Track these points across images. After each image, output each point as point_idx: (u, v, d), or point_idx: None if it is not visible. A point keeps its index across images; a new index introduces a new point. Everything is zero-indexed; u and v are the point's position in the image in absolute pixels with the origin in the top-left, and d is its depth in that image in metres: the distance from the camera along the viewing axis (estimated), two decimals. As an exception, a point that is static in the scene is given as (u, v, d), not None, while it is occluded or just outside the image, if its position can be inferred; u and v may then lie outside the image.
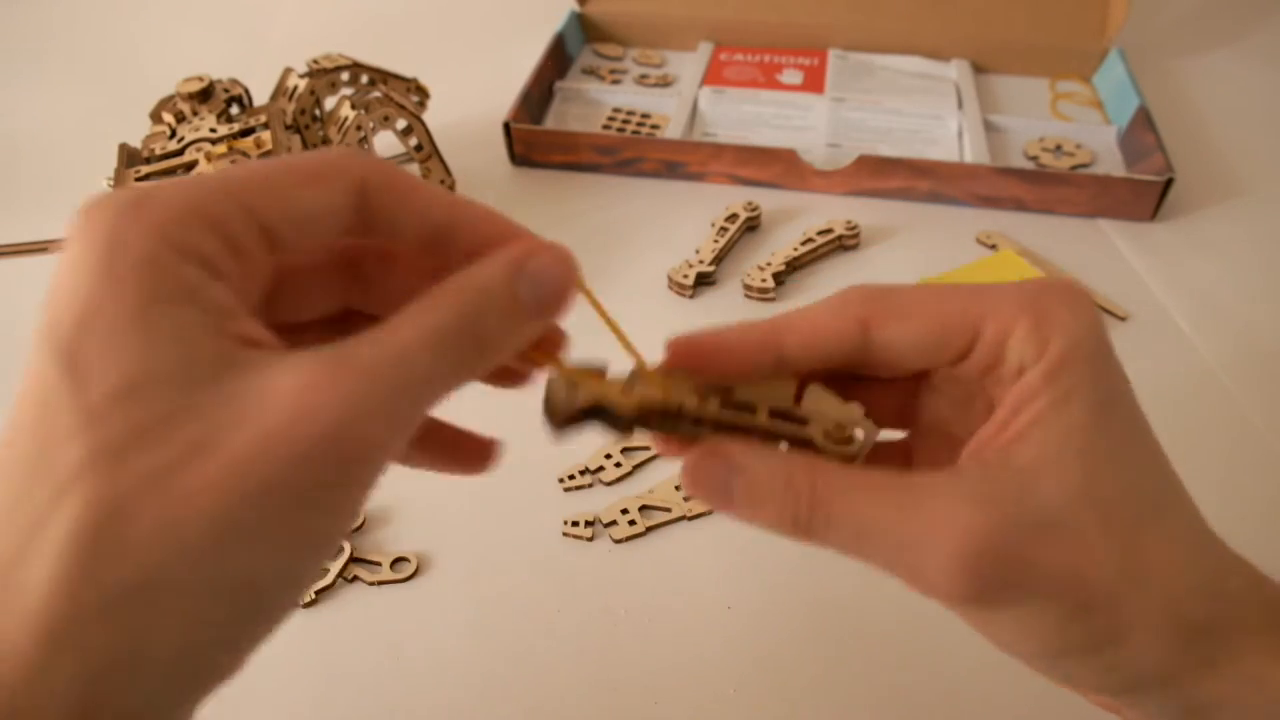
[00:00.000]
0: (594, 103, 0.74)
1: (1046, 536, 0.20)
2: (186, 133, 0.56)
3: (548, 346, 0.24)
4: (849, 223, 0.59)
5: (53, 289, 0.18)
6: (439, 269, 0.21)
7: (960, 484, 0.21)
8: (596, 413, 0.23)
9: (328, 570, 0.41)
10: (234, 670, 0.18)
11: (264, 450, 0.17)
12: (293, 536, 0.17)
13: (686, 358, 0.24)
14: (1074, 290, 0.22)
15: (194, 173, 0.19)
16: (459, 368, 0.19)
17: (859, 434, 0.23)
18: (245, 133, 0.55)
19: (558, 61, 0.76)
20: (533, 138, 0.66)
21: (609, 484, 0.45)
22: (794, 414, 0.24)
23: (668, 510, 0.44)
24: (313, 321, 0.23)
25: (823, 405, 0.24)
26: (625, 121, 0.71)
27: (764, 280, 0.56)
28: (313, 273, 0.23)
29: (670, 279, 0.57)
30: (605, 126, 0.71)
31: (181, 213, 0.18)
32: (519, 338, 0.21)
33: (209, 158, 0.53)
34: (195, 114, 0.58)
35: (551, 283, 0.20)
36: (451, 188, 0.62)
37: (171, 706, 0.17)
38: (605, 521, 0.43)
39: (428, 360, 0.18)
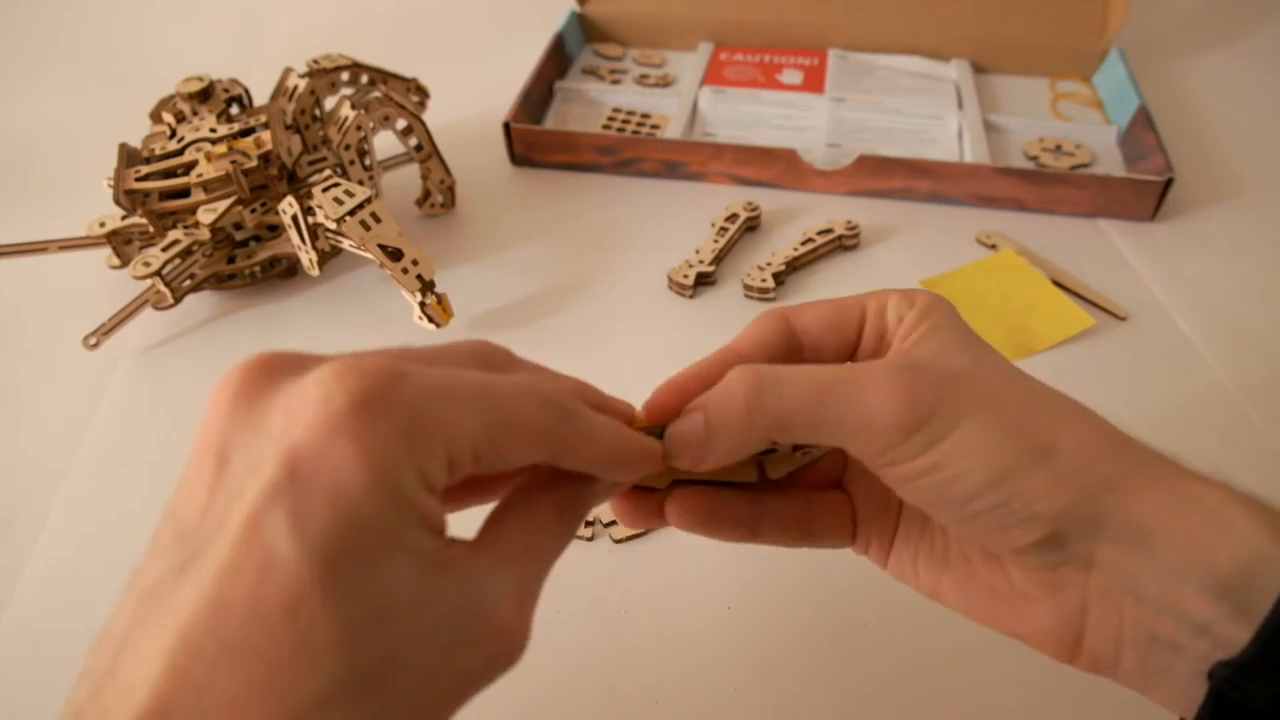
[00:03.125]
0: (594, 103, 0.74)
1: (961, 379, 0.24)
2: (186, 133, 0.56)
3: None
4: (849, 223, 0.59)
5: (304, 473, 0.18)
6: None
7: (890, 364, 0.25)
8: None
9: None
10: None
11: (474, 676, 0.21)
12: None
13: (665, 407, 0.27)
14: (936, 294, 0.28)
15: (451, 375, 0.21)
16: (571, 534, 0.25)
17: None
18: (245, 133, 0.55)
19: (558, 61, 0.76)
20: (533, 138, 0.66)
21: (609, 484, 0.45)
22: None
23: (668, 510, 0.44)
24: None
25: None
26: (625, 121, 0.71)
27: (764, 280, 0.56)
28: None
29: (670, 279, 0.57)
30: (605, 126, 0.71)
31: (445, 444, 0.19)
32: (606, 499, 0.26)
33: (209, 158, 0.53)
34: (195, 114, 0.58)
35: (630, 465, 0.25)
36: (451, 188, 0.62)
37: None
38: (605, 521, 0.43)
39: (554, 549, 0.24)
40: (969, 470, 0.23)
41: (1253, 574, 0.21)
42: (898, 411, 0.23)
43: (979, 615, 0.27)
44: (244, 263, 0.56)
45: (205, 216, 0.52)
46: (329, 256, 0.56)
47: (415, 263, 0.51)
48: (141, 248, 0.57)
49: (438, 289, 0.51)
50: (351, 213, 0.50)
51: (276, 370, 0.20)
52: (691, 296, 0.56)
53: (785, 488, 0.30)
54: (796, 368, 0.25)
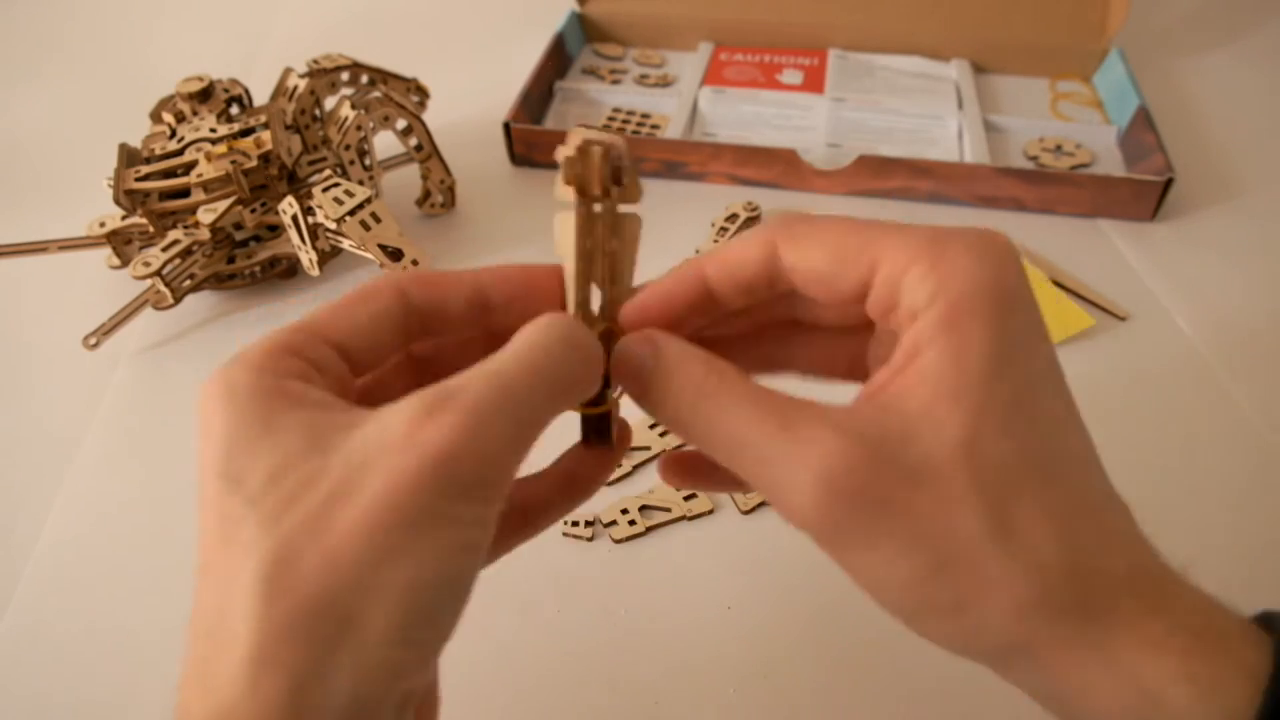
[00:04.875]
0: (594, 103, 0.74)
1: (914, 484, 0.20)
2: (186, 133, 0.56)
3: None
4: (849, 223, 0.59)
5: (202, 437, 0.21)
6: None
7: (843, 418, 0.21)
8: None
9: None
10: (423, 668, 0.20)
11: (398, 482, 0.19)
12: (436, 547, 0.20)
13: (640, 318, 0.25)
14: (986, 236, 0.21)
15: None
16: (552, 400, 0.22)
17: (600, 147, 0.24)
18: (245, 133, 0.55)
19: (558, 61, 0.76)
20: (533, 138, 0.66)
21: (609, 484, 0.45)
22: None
23: (668, 510, 0.44)
24: None
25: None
26: (625, 121, 0.71)
27: (764, 280, 0.56)
28: (400, 379, 0.26)
29: (670, 279, 0.57)
30: (605, 126, 0.71)
31: (269, 351, 0.22)
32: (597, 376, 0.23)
33: (209, 158, 0.53)
34: (195, 114, 0.58)
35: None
36: (451, 188, 0.62)
37: (375, 703, 0.19)
38: (605, 521, 0.43)
39: (529, 393, 0.21)
40: (877, 590, 0.21)
41: None
42: (807, 508, 0.20)
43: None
44: (244, 263, 0.56)
45: (205, 216, 0.52)
46: (329, 256, 0.56)
47: (415, 263, 0.51)
48: (141, 248, 0.57)
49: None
50: (351, 213, 0.50)
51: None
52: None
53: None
54: (748, 391, 0.22)
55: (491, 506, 0.20)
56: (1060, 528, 0.20)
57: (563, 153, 0.23)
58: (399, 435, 0.20)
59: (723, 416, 0.22)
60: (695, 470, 0.28)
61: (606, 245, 0.25)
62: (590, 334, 0.24)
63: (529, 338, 0.22)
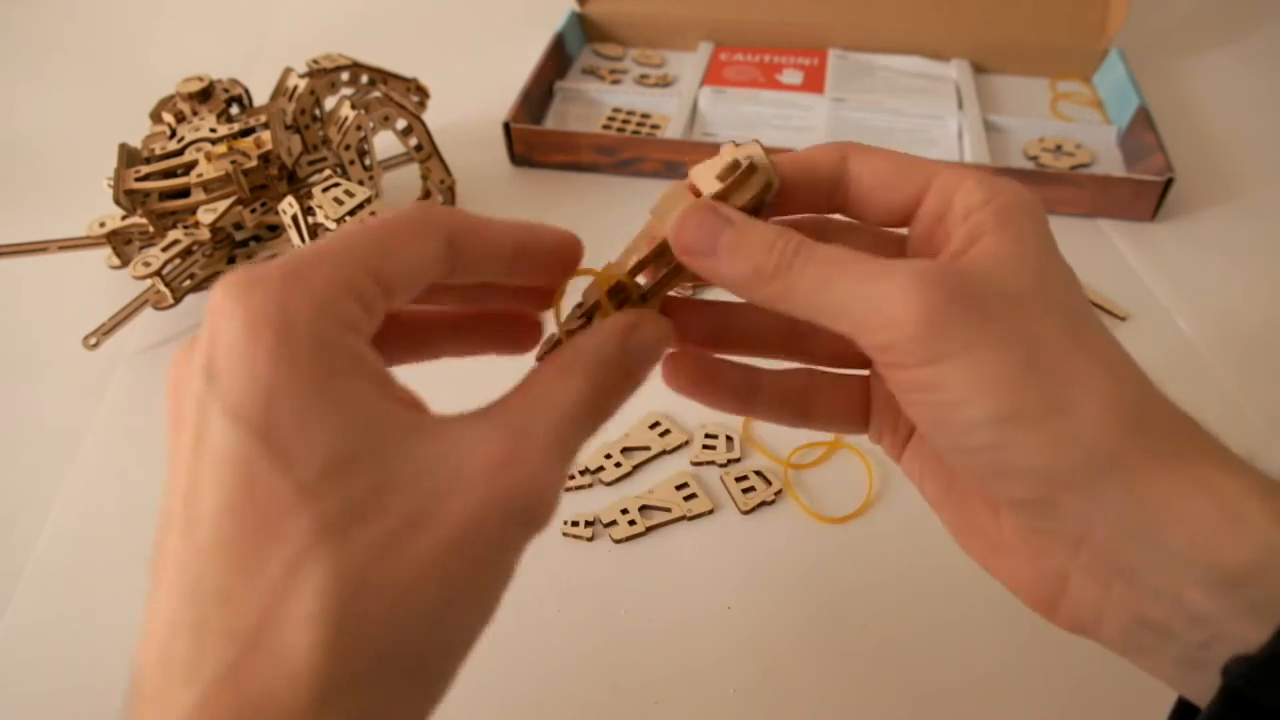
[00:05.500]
0: (594, 103, 0.74)
1: (1000, 299, 0.22)
2: (186, 133, 0.56)
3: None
4: (849, 223, 0.59)
5: (217, 367, 0.18)
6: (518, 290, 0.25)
7: (927, 264, 0.22)
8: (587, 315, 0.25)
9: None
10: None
11: (477, 521, 0.19)
12: (491, 591, 0.20)
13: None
14: (1025, 188, 0.24)
15: (317, 242, 0.21)
16: (595, 425, 0.22)
17: (741, 159, 0.24)
18: (245, 133, 0.55)
19: (558, 61, 0.76)
20: (533, 138, 0.66)
21: (609, 484, 0.45)
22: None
23: (668, 510, 0.44)
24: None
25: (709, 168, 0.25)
26: (625, 121, 0.71)
27: (764, 280, 0.56)
28: (424, 327, 0.25)
29: (670, 279, 0.57)
30: (605, 126, 0.71)
31: (333, 285, 0.19)
32: (630, 394, 0.23)
33: (209, 158, 0.53)
34: (195, 114, 0.58)
35: (649, 348, 0.24)
36: (451, 188, 0.62)
37: None
38: (605, 521, 0.43)
39: (577, 425, 0.21)
40: (970, 399, 0.21)
41: (1267, 571, 0.20)
42: (911, 310, 0.21)
43: (964, 544, 0.26)
44: (244, 263, 0.56)
45: (205, 216, 0.52)
46: (329, 256, 0.56)
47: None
48: (141, 248, 0.57)
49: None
50: (351, 213, 0.50)
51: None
52: (692, 296, 0.56)
53: (789, 364, 0.29)
54: (829, 248, 0.23)
55: (525, 549, 0.21)
56: (1125, 362, 0.23)
57: (736, 154, 0.24)
58: (479, 471, 0.19)
59: (813, 269, 0.23)
60: (703, 374, 0.28)
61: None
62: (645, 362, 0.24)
63: (591, 376, 0.22)
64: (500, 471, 0.19)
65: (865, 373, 0.29)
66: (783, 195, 0.25)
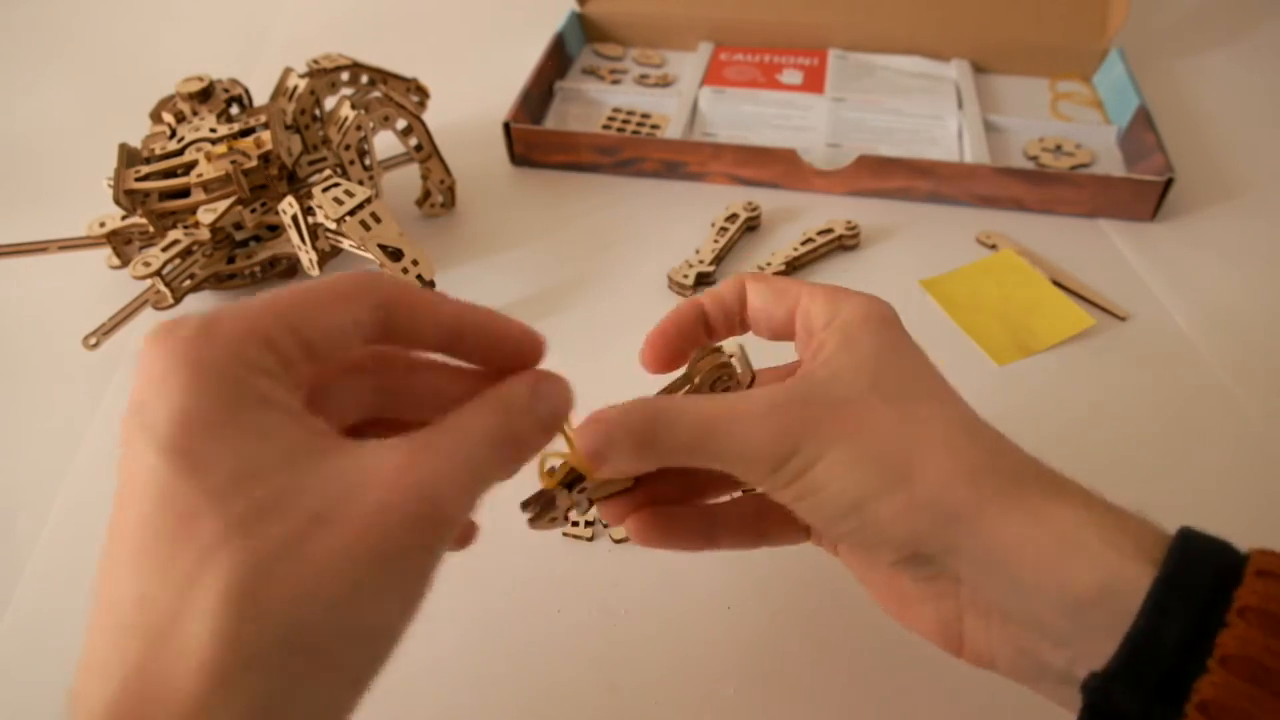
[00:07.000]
0: (594, 103, 0.74)
1: (839, 408, 0.26)
2: (186, 133, 0.56)
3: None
4: (849, 223, 0.59)
5: (142, 401, 0.20)
6: (457, 374, 0.26)
7: (774, 387, 0.27)
8: (548, 501, 0.29)
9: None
10: (353, 710, 0.21)
11: (380, 518, 0.20)
12: (401, 589, 0.21)
13: (659, 338, 0.30)
14: (870, 295, 0.29)
15: (247, 299, 0.23)
16: (504, 460, 0.24)
17: (731, 359, 0.30)
18: (245, 133, 0.55)
19: (558, 61, 0.76)
20: (533, 138, 0.66)
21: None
22: (687, 378, 0.30)
23: (668, 510, 0.44)
24: (346, 428, 0.27)
25: (703, 361, 0.30)
26: (625, 121, 0.71)
27: (764, 280, 0.56)
28: (346, 382, 0.26)
29: (670, 279, 0.57)
30: (605, 126, 0.71)
31: (245, 334, 0.21)
32: (539, 442, 0.25)
33: (209, 158, 0.53)
34: (195, 114, 0.58)
35: (558, 400, 0.25)
36: (451, 188, 0.62)
37: None
38: (605, 521, 0.43)
39: (485, 451, 0.23)
40: (830, 498, 0.25)
41: (1111, 594, 0.23)
42: (766, 447, 0.25)
43: (887, 608, 0.30)
44: (244, 263, 0.56)
45: (205, 216, 0.52)
46: (329, 256, 0.56)
47: (415, 263, 0.51)
48: (141, 248, 0.57)
49: (438, 289, 0.51)
50: (351, 213, 0.50)
51: None
52: (692, 296, 0.56)
53: (738, 498, 0.33)
54: (694, 401, 0.26)
55: (439, 553, 0.22)
56: (960, 422, 0.26)
57: (719, 352, 0.30)
58: (387, 473, 0.21)
59: (681, 418, 0.26)
60: (669, 526, 0.31)
61: None
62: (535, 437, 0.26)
63: (502, 414, 0.24)
64: (403, 474, 0.21)
65: None
66: (709, 330, 0.31)
